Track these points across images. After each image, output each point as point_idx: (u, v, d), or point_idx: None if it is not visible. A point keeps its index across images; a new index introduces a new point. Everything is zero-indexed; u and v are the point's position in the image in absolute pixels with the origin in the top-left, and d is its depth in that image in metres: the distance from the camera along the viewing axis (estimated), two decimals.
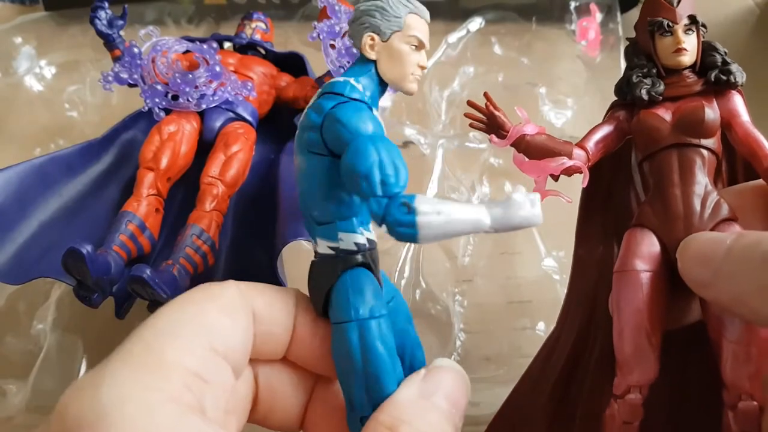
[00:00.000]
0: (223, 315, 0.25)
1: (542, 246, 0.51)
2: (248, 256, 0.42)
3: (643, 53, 0.33)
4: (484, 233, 0.25)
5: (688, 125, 0.31)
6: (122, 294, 0.39)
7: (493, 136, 0.33)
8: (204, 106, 0.45)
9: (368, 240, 0.27)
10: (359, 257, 0.27)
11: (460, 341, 0.47)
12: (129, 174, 0.45)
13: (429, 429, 0.24)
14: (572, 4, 0.70)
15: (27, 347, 0.46)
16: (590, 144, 0.33)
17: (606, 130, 0.33)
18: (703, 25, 0.32)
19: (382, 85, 0.30)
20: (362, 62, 0.30)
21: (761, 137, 0.31)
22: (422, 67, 0.29)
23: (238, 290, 0.26)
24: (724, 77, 0.31)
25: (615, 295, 0.30)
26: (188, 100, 0.44)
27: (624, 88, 0.33)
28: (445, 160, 0.56)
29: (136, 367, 0.22)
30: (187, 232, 0.39)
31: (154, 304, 0.36)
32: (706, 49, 0.32)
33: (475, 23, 0.69)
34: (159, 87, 0.44)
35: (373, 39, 0.29)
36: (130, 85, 0.45)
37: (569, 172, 0.31)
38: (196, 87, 0.44)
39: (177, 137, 0.43)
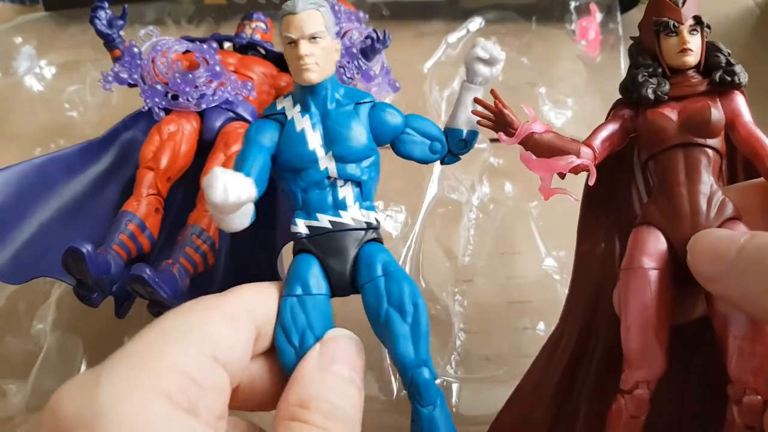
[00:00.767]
0: (225, 325, 0.26)
1: (542, 246, 0.51)
2: (248, 256, 0.42)
3: (647, 53, 0.33)
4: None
5: (695, 125, 0.31)
6: (122, 293, 0.39)
7: (502, 134, 0.33)
8: (204, 106, 0.45)
9: (309, 227, 0.31)
10: (298, 244, 0.31)
11: (460, 341, 0.47)
12: (129, 174, 0.45)
13: (335, 397, 0.26)
14: (572, 4, 0.70)
15: (27, 347, 0.46)
16: (597, 142, 0.33)
17: (612, 128, 0.33)
18: (708, 26, 0.32)
19: (305, 87, 0.32)
20: None
21: (764, 137, 0.31)
22: (300, 57, 0.30)
23: (242, 300, 0.28)
24: (728, 78, 0.31)
25: (622, 292, 0.30)
26: (188, 100, 0.44)
27: (629, 87, 0.33)
28: None
29: (133, 367, 0.22)
30: (187, 231, 0.39)
31: (154, 304, 0.36)
32: (711, 50, 0.32)
33: (475, 23, 0.69)
34: (159, 87, 0.44)
35: None
36: (130, 85, 0.45)
37: (577, 170, 0.31)
38: (196, 87, 0.44)
39: (177, 137, 0.43)
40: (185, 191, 0.45)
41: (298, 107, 0.32)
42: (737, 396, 0.28)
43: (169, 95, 0.44)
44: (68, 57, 0.68)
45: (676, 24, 0.32)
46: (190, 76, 0.44)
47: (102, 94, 0.61)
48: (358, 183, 0.32)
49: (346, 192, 0.32)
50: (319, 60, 0.31)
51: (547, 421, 0.34)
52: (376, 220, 0.32)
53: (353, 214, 0.31)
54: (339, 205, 0.31)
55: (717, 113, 0.31)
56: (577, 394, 0.34)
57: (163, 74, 0.44)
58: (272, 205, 0.42)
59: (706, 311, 0.30)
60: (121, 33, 0.46)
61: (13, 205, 0.40)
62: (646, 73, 0.33)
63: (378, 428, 0.42)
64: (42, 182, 0.42)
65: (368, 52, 0.46)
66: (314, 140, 0.31)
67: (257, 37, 0.54)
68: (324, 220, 0.31)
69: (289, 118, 0.32)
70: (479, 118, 0.33)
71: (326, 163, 0.31)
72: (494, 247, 0.52)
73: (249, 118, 0.47)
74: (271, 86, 0.50)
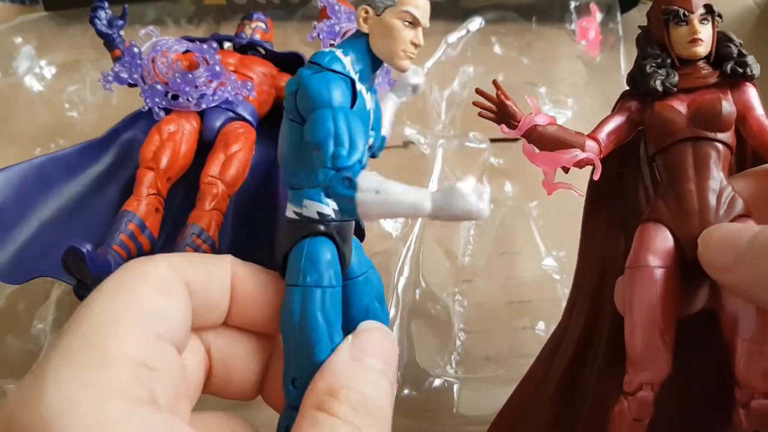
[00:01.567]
0: (159, 295, 0.24)
1: (542, 246, 0.51)
2: (248, 255, 0.42)
3: (656, 42, 0.32)
4: (427, 218, 0.25)
5: (705, 118, 0.30)
6: None
7: (504, 126, 0.32)
8: (204, 106, 0.45)
9: (335, 211, 0.28)
10: (321, 227, 0.27)
11: (460, 341, 0.47)
12: (129, 174, 0.44)
13: (367, 388, 0.25)
14: (572, 4, 0.70)
15: (27, 347, 0.46)
16: (602, 135, 0.32)
17: (618, 121, 0.32)
18: (719, 15, 0.31)
19: (376, 61, 0.29)
20: (357, 35, 0.30)
21: None
22: (415, 44, 0.29)
23: (169, 265, 0.26)
24: (740, 69, 0.30)
25: (627, 290, 0.30)
26: (188, 99, 0.44)
27: (637, 78, 0.32)
28: (445, 160, 0.56)
29: (79, 365, 0.20)
30: (187, 231, 0.39)
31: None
32: (721, 40, 0.31)
33: (475, 23, 0.69)
34: (159, 87, 0.44)
35: (366, 12, 0.29)
36: (130, 85, 0.45)
37: (581, 164, 0.30)
38: (196, 87, 0.44)
39: (177, 137, 0.43)
40: (185, 191, 0.45)
41: (358, 76, 0.29)
42: (745, 399, 0.27)
43: (169, 95, 0.44)
44: (68, 57, 0.68)
45: (686, 13, 0.31)
46: (190, 76, 0.44)
47: (102, 94, 0.61)
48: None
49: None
50: None
51: (548, 419, 0.34)
52: None
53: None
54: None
55: (728, 106, 0.30)
56: (581, 392, 0.34)
57: (163, 74, 0.44)
58: (273, 204, 0.42)
59: (706, 305, 0.30)
60: (121, 33, 0.46)
61: (13, 205, 0.40)
62: (654, 64, 0.31)
63: None
64: (42, 182, 0.42)
65: None
66: (370, 122, 0.30)
67: (257, 37, 0.54)
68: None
69: (358, 88, 0.29)
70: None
71: (364, 147, 0.30)
72: (494, 247, 0.52)
73: (249, 118, 0.47)
74: (271, 86, 0.50)
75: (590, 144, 0.31)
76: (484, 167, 0.56)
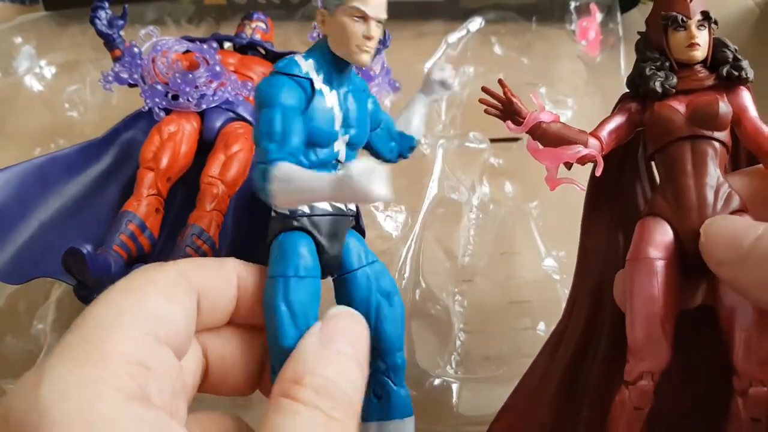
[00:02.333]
0: (164, 300, 0.25)
1: (542, 246, 0.51)
2: (248, 256, 0.42)
3: (655, 47, 0.33)
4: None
5: (703, 117, 0.31)
6: None
7: (510, 123, 0.33)
8: (204, 106, 0.45)
9: (310, 206, 0.29)
10: (294, 222, 0.29)
11: (460, 341, 0.47)
12: (129, 174, 0.44)
13: (331, 372, 0.25)
14: (572, 4, 0.70)
15: (27, 347, 0.46)
16: (604, 133, 0.33)
17: (618, 120, 0.34)
18: (715, 22, 0.33)
19: (339, 61, 0.30)
20: (320, 40, 0.31)
21: None
22: (368, 38, 0.29)
23: (178, 271, 0.26)
24: (735, 72, 0.32)
25: (628, 282, 0.30)
26: (188, 100, 0.44)
27: (636, 80, 0.33)
28: (445, 160, 0.56)
29: (75, 361, 0.21)
30: (187, 231, 0.39)
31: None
32: (717, 45, 0.33)
33: (475, 23, 0.69)
34: (159, 87, 0.44)
35: (323, 15, 0.31)
36: (130, 85, 0.45)
37: (583, 160, 0.32)
38: (197, 87, 0.44)
39: (177, 137, 0.43)
40: (185, 191, 0.45)
41: (322, 77, 0.30)
42: (743, 388, 0.28)
43: (170, 95, 0.44)
44: (68, 57, 0.68)
45: (684, 18, 0.32)
46: (191, 76, 0.44)
47: (102, 94, 0.61)
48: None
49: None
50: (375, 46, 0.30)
51: (550, 415, 0.34)
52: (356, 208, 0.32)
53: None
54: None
55: (725, 106, 0.31)
56: (582, 388, 0.34)
57: (164, 74, 0.44)
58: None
59: (706, 300, 0.31)
60: (122, 33, 0.46)
61: (13, 205, 0.40)
62: (653, 67, 0.33)
63: None
64: (42, 182, 0.41)
65: None
66: (338, 120, 0.30)
67: (257, 37, 0.54)
68: (325, 203, 0.30)
69: (317, 87, 0.30)
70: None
71: (339, 146, 0.31)
72: (494, 247, 0.52)
73: (249, 118, 0.47)
74: None
75: (592, 141, 0.32)
76: (484, 167, 0.56)
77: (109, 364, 0.21)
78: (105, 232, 0.40)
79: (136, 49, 0.45)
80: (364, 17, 0.30)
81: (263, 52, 0.54)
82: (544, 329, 0.47)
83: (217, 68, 0.45)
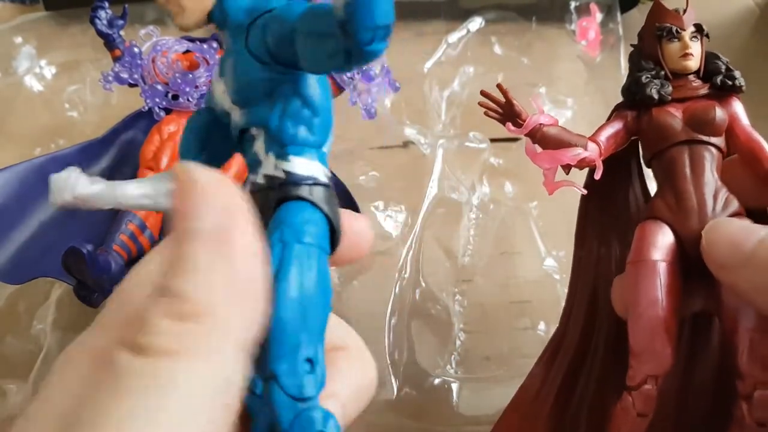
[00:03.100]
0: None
1: (542, 246, 0.51)
2: None
3: (649, 58, 0.34)
4: None
5: (700, 123, 0.32)
6: None
7: (510, 125, 0.33)
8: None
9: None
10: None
11: (460, 341, 0.47)
12: (129, 174, 0.45)
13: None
14: (572, 4, 0.70)
15: (27, 347, 0.46)
16: (602, 138, 0.33)
17: (616, 127, 0.34)
18: (707, 35, 0.34)
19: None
20: None
21: (762, 140, 0.32)
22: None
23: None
24: (729, 82, 0.32)
25: (631, 285, 0.30)
26: (188, 99, 0.44)
27: (632, 89, 0.34)
28: (445, 160, 0.56)
29: None
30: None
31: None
32: (710, 57, 0.34)
33: (475, 23, 0.69)
34: (159, 87, 0.44)
35: None
36: (131, 85, 0.45)
37: (582, 164, 0.32)
38: (197, 87, 0.44)
39: (177, 137, 0.43)
40: None
41: None
42: (747, 391, 0.27)
43: (170, 95, 0.44)
44: (68, 57, 0.68)
45: (678, 30, 0.33)
46: (191, 76, 0.44)
47: (102, 94, 0.61)
48: (264, 127, 0.22)
49: (258, 144, 0.22)
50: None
51: (550, 424, 0.34)
52: (312, 169, 0.22)
53: (266, 170, 0.22)
54: (254, 164, 0.22)
55: (721, 112, 0.32)
56: (580, 396, 0.34)
57: (164, 74, 0.44)
58: None
59: (706, 306, 0.31)
60: (122, 33, 0.46)
61: (13, 205, 0.40)
62: (649, 76, 0.33)
63: (378, 428, 0.43)
64: (42, 182, 0.41)
65: None
66: (219, 87, 0.23)
67: None
68: (248, 185, 0.23)
69: None
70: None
71: (235, 116, 0.23)
72: (494, 247, 0.52)
73: None
74: None
75: (591, 145, 0.33)
76: (484, 167, 0.56)
77: None
78: (105, 232, 0.40)
79: (136, 49, 0.45)
80: None
81: None
82: (544, 329, 0.47)
83: None
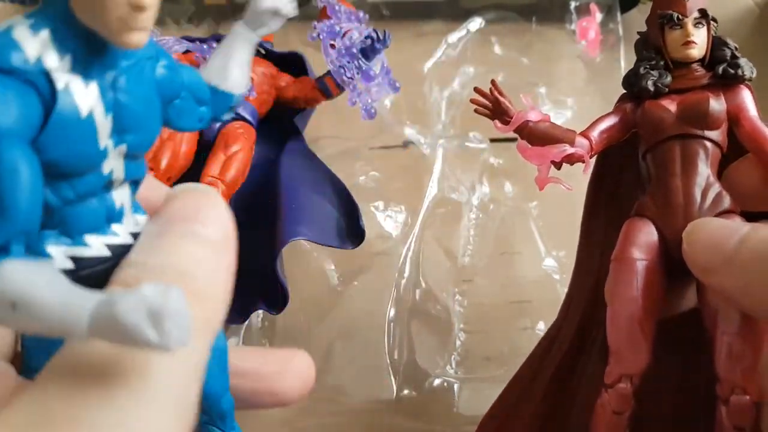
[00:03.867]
0: None
1: (542, 246, 0.51)
2: (248, 256, 0.42)
3: (652, 46, 0.33)
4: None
5: (693, 116, 0.31)
6: None
7: (497, 122, 0.33)
8: None
9: (74, 259, 0.18)
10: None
11: (460, 341, 0.47)
12: None
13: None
14: (572, 4, 0.70)
15: None
16: (594, 133, 0.33)
17: (611, 120, 0.33)
18: (714, 20, 0.32)
19: (95, 37, 0.17)
20: None
21: None
22: (136, 6, 0.16)
23: None
24: (731, 71, 0.31)
25: (610, 282, 0.30)
26: None
27: (631, 79, 0.33)
28: (445, 160, 0.56)
29: None
30: None
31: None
32: (716, 44, 0.32)
33: (475, 23, 0.69)
34: None
35: None
36: None
37: (571, 160, 0.31)
38: None
39: (177, 137, 0.43)
40: None
41: (69, 61, 0.17)
42: (725, 395, 0.27)
43: None
44: None
45: (680, 17, 0.32)
46: None
47: None
48: (136, 181, 0.20)
49: (123, 196, 0.20)
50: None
51: (539, 415, 0.34)
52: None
53: (129, 227, 0.20)
54: (114, 217, 0.19)
55: (716, 104, 0.31)
56: (573, 389, 0.34)
57: None
58: (273, 205, 0.42)
59: (697, 304, 0.30)
60: None
61: None
62: (648, 66, 0.33)
63: (378, 428, 0.43)
64: None
65: (368, 52, 0.46)
66: (103, 129, 0.18)
67: None
68: (97, 245, 0.19)
69: (60, 86, 0.16)
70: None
71: (113, 163, 0.19)
72: (494, 247, 0.52)
73: (249, 118, 0.47)
74: (271, 86, 0.50)
75: (580, 140, 0.32)
76: (484, 167, 0.57)
77: None
78: None
79: None
80: None
81: (263, 51, 0.54)
82: (544, 329, 0.47)
83: None
